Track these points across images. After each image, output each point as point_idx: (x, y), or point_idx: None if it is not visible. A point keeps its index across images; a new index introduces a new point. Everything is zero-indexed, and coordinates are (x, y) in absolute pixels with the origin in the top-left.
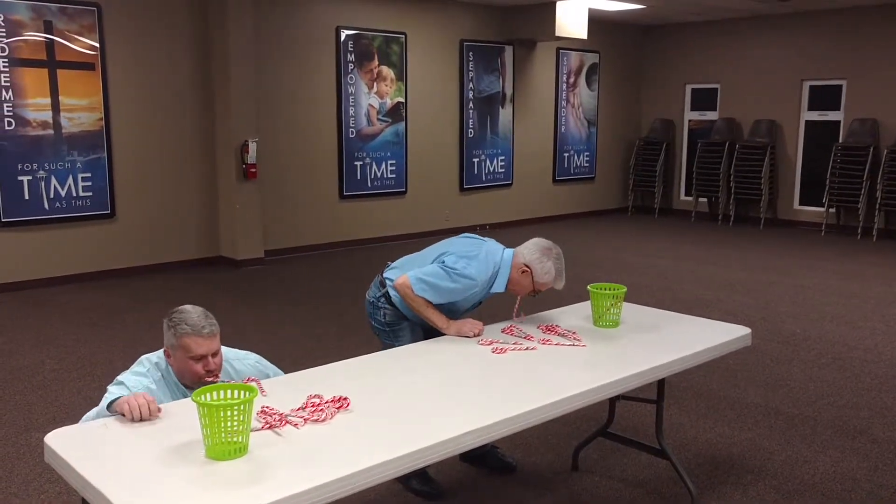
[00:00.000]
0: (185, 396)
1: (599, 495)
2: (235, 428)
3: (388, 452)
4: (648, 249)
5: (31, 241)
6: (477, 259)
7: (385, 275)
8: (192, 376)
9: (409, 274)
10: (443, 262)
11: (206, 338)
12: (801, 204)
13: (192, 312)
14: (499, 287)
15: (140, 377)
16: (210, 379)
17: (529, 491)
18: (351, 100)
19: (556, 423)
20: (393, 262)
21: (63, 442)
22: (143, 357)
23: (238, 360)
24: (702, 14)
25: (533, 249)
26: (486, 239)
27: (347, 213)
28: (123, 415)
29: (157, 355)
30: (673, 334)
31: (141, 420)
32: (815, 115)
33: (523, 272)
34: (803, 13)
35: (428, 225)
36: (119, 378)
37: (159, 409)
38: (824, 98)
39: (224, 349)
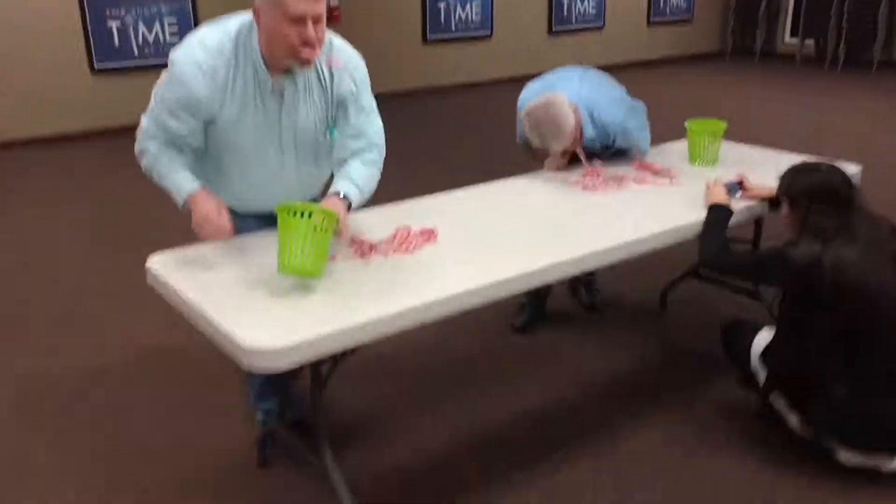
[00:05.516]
0: (259, 82)
1: (687, 336)
2: (307, 249)
3: (472, 281)
4: (748, 96)
5: (122, 87)
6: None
7: None
8: (282, 46)
9: None
10: None
11: None
12: None
13: None
14: None
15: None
16: (305, 55)
17: (620, 326)
18: None
19: (647, 262)
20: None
21: (163, 265)
22: (222, 25)
23: (344, 50)
24: None
25: (526, 105)
26: (574, 71)
27: (431, 58)
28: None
29: (242, 21)
30: (774, 171)
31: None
32: None
33: None
34: None
35: (515, 69)
36: (161, 93)
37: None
38: None
39: (332, 37)
